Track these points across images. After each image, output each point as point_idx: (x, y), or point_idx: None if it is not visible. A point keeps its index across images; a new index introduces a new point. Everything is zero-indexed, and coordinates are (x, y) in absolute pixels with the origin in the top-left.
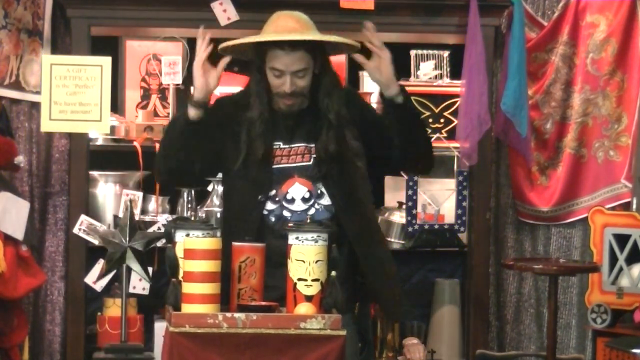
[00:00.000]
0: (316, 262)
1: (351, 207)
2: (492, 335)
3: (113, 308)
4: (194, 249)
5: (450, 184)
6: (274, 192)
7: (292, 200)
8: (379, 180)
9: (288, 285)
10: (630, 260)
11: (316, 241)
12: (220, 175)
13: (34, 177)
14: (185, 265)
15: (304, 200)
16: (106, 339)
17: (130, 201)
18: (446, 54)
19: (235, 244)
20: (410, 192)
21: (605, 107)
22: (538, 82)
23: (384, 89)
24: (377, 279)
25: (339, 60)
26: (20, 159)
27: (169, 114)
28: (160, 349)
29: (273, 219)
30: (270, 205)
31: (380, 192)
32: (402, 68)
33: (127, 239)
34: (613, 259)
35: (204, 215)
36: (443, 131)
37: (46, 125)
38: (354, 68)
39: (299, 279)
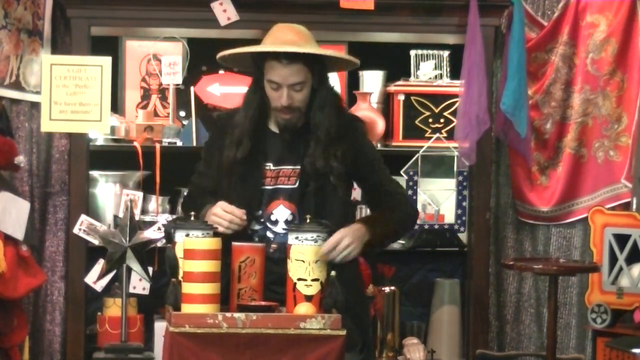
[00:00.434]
0: (316, 262)
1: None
2: (492, 335)
3: (113, 308)
4: (194, 249)
5: (450, 184)
6: (259, 212)
7: (276, 222)
8: None
9: (288, 285)
10: (630, 260)
11: (316, 241)
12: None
13: (34, 177)
14: (185, 265)
15: (287, 222)
16: (106, 339)
17: (130, 201)
18: (446, 54)
19: (235, 244)
20: (410, 192)
21: (605, 107)
22: (538, 82)
23: None
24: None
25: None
26: (20, 159)
27: (168, 114)
28: (160, 349)
29: (257, 239)
30: (255, 226)
31: None
32: (402, 68)
33: (127, 239)
34: (613, 259)
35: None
36: (443, 131)
37: (46, 125)
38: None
39: (299, 279)
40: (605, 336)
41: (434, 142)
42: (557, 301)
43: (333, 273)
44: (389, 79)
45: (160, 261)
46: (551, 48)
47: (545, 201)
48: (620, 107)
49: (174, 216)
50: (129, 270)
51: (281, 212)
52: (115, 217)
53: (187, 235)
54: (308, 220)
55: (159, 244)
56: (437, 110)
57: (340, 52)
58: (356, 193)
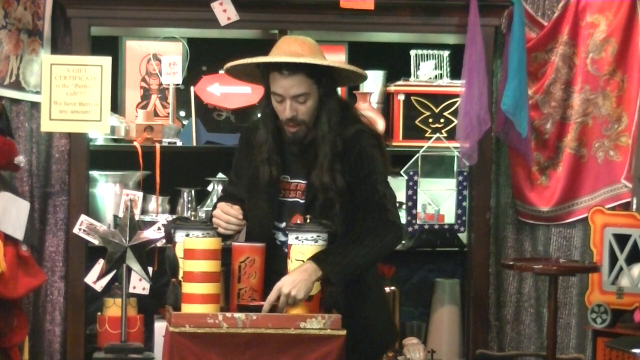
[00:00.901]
0: None
1: None
2: (492, 335)
3: (113, 308)
4: (194, 249)
5: (450, 184)
6: (283, 224)
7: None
8: None
9: None
10: (630, 260)
11: (316, 241)
12: (220, 175)
13: (34, 177)
14: (185, 265)
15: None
16: (106, 339)
17: (130, 201)
18: (446, 54)
19: (235, 244)
20: (410, 192)
21: (605, 107)
22: (538, 82)
23: None
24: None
25: (339, 61)
26: (20, 159)
27: (168, 114)
28: (160, 349)
29: (286, 250)
30: (281, 237)
31: None
32: (402, 68)
33: (127, 239)
34: (613, 259)
35: (204, 215)
36: (443, 131)
37: (46, 125)
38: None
39: None
40: (605, 336)
41: (434, 142)
42: (557, 301)
43: None
44: (389, 79)
45: (160, 261)
46: (551, 48)
47: (545, 201)
48: (620, 107)
49: (174, 216)
50: (129, 270)
51: None
52: (115, 217)
53: (187, 235)
54: (308, 221)
55: (159, 244)
56: (437, 110)
57: (343, 63)
58: None
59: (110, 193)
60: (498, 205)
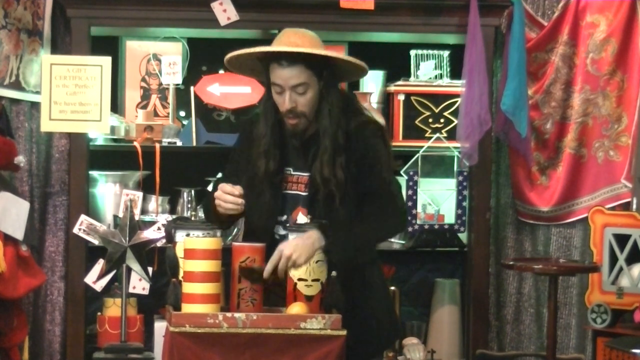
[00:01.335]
0: (316, 262)
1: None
2: (492, 335)
3: (113, 308)
4: (194, 249)
5: (450, 184)
6: (284, 217)
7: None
8: None
9: (288, 285)
10: (630, 260)
11: None
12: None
13: (34, 177)
14: (186, 265)
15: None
16: (106, 339)
17: (130, 201)
18: (446, 54)
19: (235, 244)
20: (410, 192)
21: (605, 107)
22: (538, 82)
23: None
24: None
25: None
26: (20, 159)
27: (168, 114)
28: (160, 349)
29: (277, 237)
30: (281, 231)
31: None
32: (402, 68)
33: (127, 239)
34: (613, 259)
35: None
36: (443, 131)
37: (46, 125)
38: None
39: (299, 279)
40: (605, 336)
41: (434, 142)
42: (557, 301)
43: (334, 273)
44: (389, 79)
45: (160, 261)
46: (551, 48)
47: (545, 201)
48: (620, 107)
49: (174, 216)
50: (129, 270)
51: (302, 220)
52: (115, 217)
53: (188, 235)
54: (308, 221)
55: (159, 244)
56: (437, 110)
57: (342, 55)
58: None
59: (110, 193)
60: (498, 205)
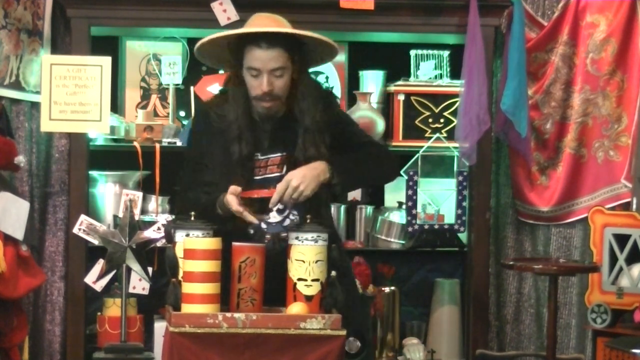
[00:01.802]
0: (316, 262)
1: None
2: (492, 335)
3: (113, 308)
4: (194, 249)
5: (450, 184)
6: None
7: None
8: None
9: (288, 285)
10: (630, 260)
11: (316, 241)
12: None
13: (34, 177)
14: (185, 265)
15: (279, 211)
16: (106, 339)
17: (130, 201)
18: (446, 54)
19: (235, 244)
20: (410, 192)
21: (605, 107)
22: (538, 82)
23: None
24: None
25: (339, 61)
26: (20, 159)
27: (168, 114)
28: (160, 349)
29: (252, 231)
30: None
31: (380, 192)
32: (402, 68)
33: (127, 239)
34: (613, 259)
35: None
36: (443, 131)
37: (46, 125)
38: (355, 67)
39: (299, 279)
40: (605, 336)
41: (434, 142)
42: (557, 301)
43: (333, 273)
44: (389, 79)
45: (160, 261)
46: (551, 48)
47: (545, 201)
48: (620, 107)
49: (174, 216)
50: (129, 270)
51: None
52: (115, 217)
53: (187, 235)
54: (308, 221)
55: (159, 244)
56: (437, 110)
57: (319, 35)
58: (356, 193)
59: (110, 193)
60: (498, 205)
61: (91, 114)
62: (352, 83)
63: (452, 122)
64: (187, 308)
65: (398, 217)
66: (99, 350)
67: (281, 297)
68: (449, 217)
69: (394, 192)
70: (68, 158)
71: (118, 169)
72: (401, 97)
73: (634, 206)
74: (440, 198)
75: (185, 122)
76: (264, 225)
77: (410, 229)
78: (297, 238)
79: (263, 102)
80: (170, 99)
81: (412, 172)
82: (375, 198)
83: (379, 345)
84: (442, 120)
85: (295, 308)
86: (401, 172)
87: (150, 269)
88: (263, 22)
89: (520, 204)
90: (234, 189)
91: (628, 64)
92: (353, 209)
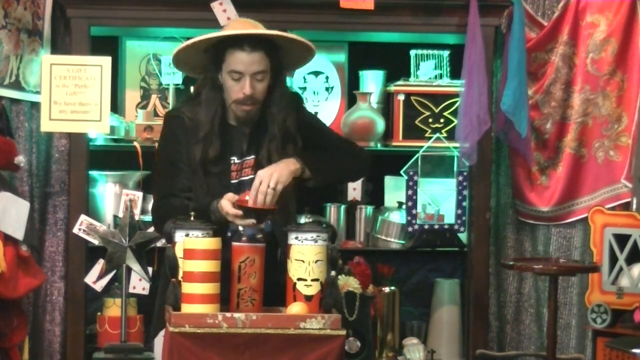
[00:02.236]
0: (316, 262)
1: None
2: (492, 335)
3: (113, 308)
4: (194, 249)
5: (450, 184)
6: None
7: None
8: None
9: (288, 285)
10: (630, 260)
11: (316, 241)
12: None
13: (34, 177)
14: (185, 266)
15: None
16: (106, 339)
17: (130, 201)
18: (446, 54)
19: (235, 244)
20: (410, 192)
21: (605, 107)
22: (538, 82)
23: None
24: None
25: (339, 61)
26: (20, 159)
27: None
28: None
29: (229, 234)
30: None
31: (380, 192)
32: (402, 68)
33: (127, 239)
34: (613, 259)
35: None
36: (443, 131)
37: (46, 125)
38: (354, 67)
39: (299, 279)
40: (605, 336)
41: (434, 142)
42: (557, 301)
43: (333, 273)
44: (389, 79)
45: (160, 261)
46: (551, 48)
47: (545, 201)
48: (620, 107)
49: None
50: (129, 270)
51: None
52: (115, 217)
53: (187, 235)
54: (308, 221)
55: (159, 244)
56: (437, 110)
57: (299, 37)
58: (355, 193)
59: (110, 193)
60: (498, 205)
61: (91, 114)
62: (352, 83)
63: (452, 122)
64: (187, 308)
65: (398, 217)
66: (99, 351)
67: (268, 296)
68: (449, 217)
69: (394, 192)
70: (68, 158)
71: (118, 169)
72: (401, 97)
73: (634, 206)
74: (440, 198)
75: None
76: (241, 228)
77: (410, 229)
78: (296, 238)
79: (244, 106)
80: (170, 99)
81: (412, 172)
82: (375, 198)
83: (379, 345)
84: (442, 120)
85: (295, 308)
86: (401, 172)
87: (150, 269)
88: (243, 27)
89: (520, 204)
90: (231, 195)
91: (628, 64)
92: (353, 208)
